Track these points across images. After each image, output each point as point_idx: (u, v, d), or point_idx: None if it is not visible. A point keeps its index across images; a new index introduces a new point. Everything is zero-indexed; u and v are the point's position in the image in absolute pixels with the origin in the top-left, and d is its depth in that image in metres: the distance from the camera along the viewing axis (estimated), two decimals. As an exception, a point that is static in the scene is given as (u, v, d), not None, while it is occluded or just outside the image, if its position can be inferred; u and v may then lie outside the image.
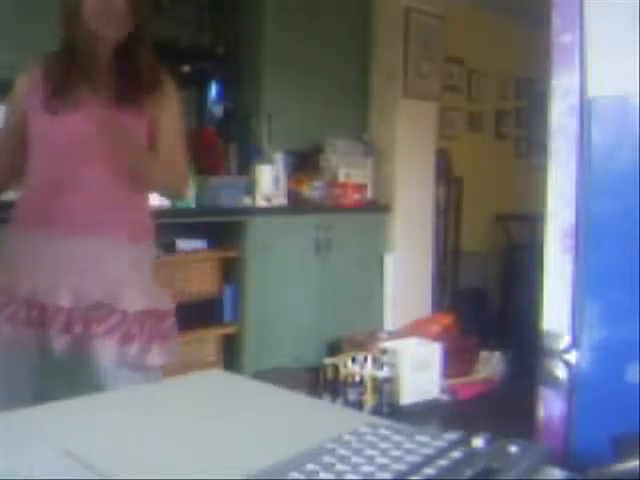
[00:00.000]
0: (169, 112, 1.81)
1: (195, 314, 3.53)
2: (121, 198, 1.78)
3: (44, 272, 1.69)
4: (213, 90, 3.90)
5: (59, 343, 1.68)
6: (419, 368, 3.48)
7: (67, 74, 1.71)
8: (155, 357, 1.71)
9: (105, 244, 1.73)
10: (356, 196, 4.19)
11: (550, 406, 1.46)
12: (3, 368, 1.73)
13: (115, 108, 1.72)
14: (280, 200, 3.84)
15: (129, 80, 1.74)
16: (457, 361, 3.79)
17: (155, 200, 3.32)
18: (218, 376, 1.22)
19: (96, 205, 1.73)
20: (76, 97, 1.71)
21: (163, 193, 2.06)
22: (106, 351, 1.67)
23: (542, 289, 1.48)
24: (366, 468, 0.67)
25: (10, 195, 1.95)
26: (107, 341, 1.67)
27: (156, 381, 1.69)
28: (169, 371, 3.24)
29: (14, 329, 1.69)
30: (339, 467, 0.67)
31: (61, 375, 1.75)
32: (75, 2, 1.70)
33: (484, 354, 4.04)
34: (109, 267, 1.73)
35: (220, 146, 3.81)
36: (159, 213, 3.33)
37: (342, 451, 0.70)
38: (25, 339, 1.70)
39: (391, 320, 4.33)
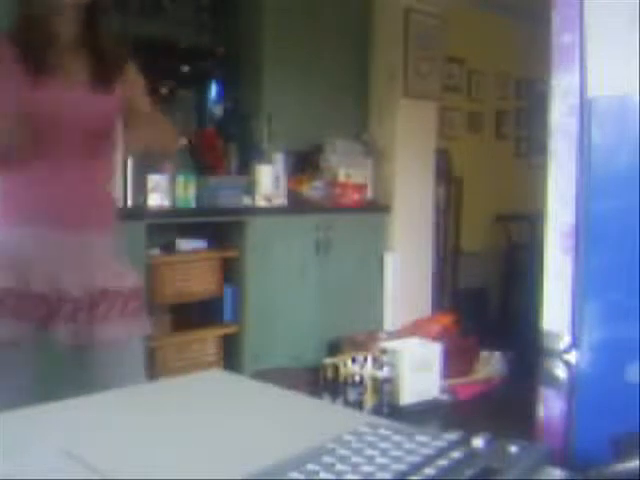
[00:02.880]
0: (139, 87, 1.83)
1: (195, 314, 3.54)
2: (100, 190, 1.81)
3: (45, 266, 1.70)
4: (213, 90, 3.90)
5: (63, 334, 1.70)
6: (419, 368, 3.48)
7: (35, 48, 1.66)
8: (147, 326, 1.81)
9: (96, 234, 1.77)
10: (356, 196, 4.19)
11: (550, 406, 1.46)
12: (4, 368, 1.73)
13: (90, 91, 1.71)
14: (280, 200, 3.84)
15: (99, 64, 1.73)
16: (457, 361, 3.79)
17: (156, 200, 3.33)
18: (218, 376, 1.22)
19: (82, 199, 1.74)
20: (52, 73, 1.67)
21: (159, 154, 2.11)
22: (115, 330, 1.72)
23: (542, 289, 1.48)
24: (366, 468, 0.67)
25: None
26: (115, 321, 1.72)
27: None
28: (169, 371, 3.24)
29: (16, 325, 1.69)
30: (339, 467, 0.67)
31: (60, 371, 1.76)
32: None
33: (484, 354, 4.04)
34: (103, 257, 1.77)
35: (220, 146, 3.81)
36: (159, 213, 3.35)
37: (342, 451, 0.70)
38: (26, 334, 1.70)
39: (391, 320, 4.33)
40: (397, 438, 0.74)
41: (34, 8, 1.68)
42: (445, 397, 3.60)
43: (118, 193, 3.17)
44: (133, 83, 1.81)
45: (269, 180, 3.78)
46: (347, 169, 4.18)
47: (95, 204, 1.77)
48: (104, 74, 1.72)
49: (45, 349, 1.76)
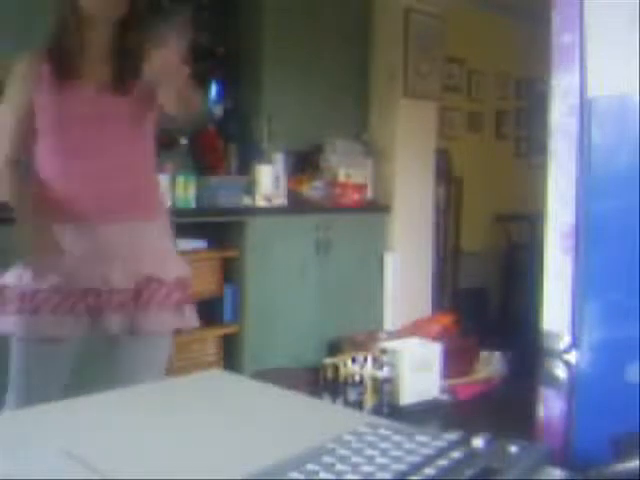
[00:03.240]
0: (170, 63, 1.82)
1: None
2: (141, 179, 1.85)
3: (86, 260, 1.72)
4: (213, 90, 3.90)
5: (114, 323, 1.73)
6: (419, 368, 3.48)
7: (66, 56, 1.75)
8: (192, 319, 1.87)
9: (139, 225, 1.80)
10: (356, 196, 4.19)
11: (550, 406, 1.46)
12: (40, 362, 1.75)
13: (110, 92, 1.76)
14: (280, 200, 3.84)
15: (124, 65, 1.78)
16: (457, 361, 3.79)
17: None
18: (218, 376, 1.22)
19: (122, 190, 1.79)
20: (76, 80, 1.75)
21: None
22: (159, 319, 1.76)
23: (542, 289, 1.48)
24: (366, 468, 0.67)
25: None
26: (161, 310, 1.77)
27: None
28: (169, 371, 3.24)
29: (59, 321, 1.71)
30: (339, 467, 0.67)
31: (94, 364, 1.79)
32: None
33: (484, 354, 4.04)
34: (147, 245, 1.80)
35: (220, 146, 3.81)
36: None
37: (342, 451, 0.70)
38: (71, 329, 1.72)
39: (391, 320, 4.33)
40: (397, 438, 0.74)
41: (69, 22, 1.76)
42: (445, 397, 3.60)
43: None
44: (165, 59, 1.79)
45: (269, 180, 3.78)
46: (347, 169, 4.18)
47: (133, 192, 1.80)
48: (120, 77, 1.78)
49: (87, 343, 1.78)
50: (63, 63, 1.75)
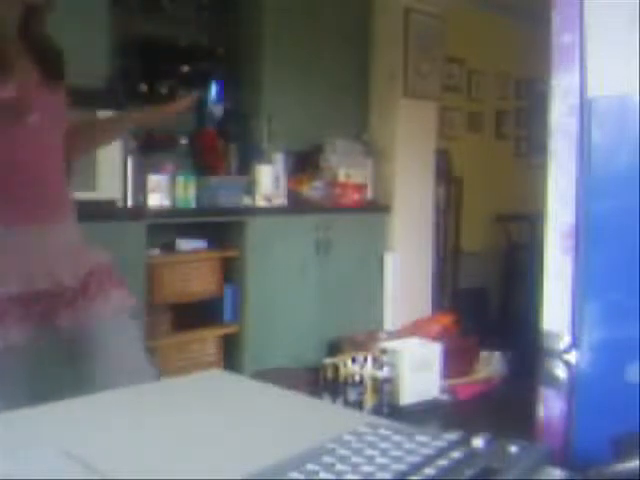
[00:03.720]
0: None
1: (195, 314, 3.53)
2: (62, 180, 1.81)
3: (28, 263, 1.70)
4: (213, 90, 3.89)
5: (66, 320, 1.72)
6: (419, 368, 3.48)
7: None
8: (128, 299, 1.81)
9: (67, 224, 1.78)
10: (356, 196, 4.19)
11: (550, 406, 1.46)
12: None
13: (44, 89, 1.69)
14: (280, 200, 3.84)
15: (45, 61, 1.71)
16: (457, 361, 3.79)
17: (156, 200, 3.33)
18: (218, 376, 1.22)
19: (50, 192, 1.74)
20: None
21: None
22: (109, 304, 1.75)
23: (542, 289, 1.48)
24: (366, 468, 0.67)
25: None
26: (107, 297, 1.75)
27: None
28: (169, 371, 3.23)
29: (6, 329, 1.69)
30: (339, 467, 0.67)
31: (60, 363, 1.79)
32: None
33: (484, 354, 4.04)
34: (76, 246, 1.78)
35: (220, 146, 3.81)
36: (159, 213, 3.35)
37: (342, 451, 0.70)
38: (21, 336, 1.70)
39: (391, 320, 4.33)
40: (397, 438, 0.74)
41: None
42: (445, 397, 3.60)
43: (118, 193, 3.17)
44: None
45: (269, 180, 3.78)
46: (347, 169, 4.18)
47: (52, 194, 1.75)
48: (52, 71, 1.71)
49: (45, 346, 1.77)
50: None
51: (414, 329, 4.09)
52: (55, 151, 1.76)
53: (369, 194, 4.36)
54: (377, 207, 4.38)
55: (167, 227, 3.47)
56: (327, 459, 0.68)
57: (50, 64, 1.73)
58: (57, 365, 1.75)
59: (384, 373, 3.33)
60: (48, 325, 1.72)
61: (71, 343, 1.79)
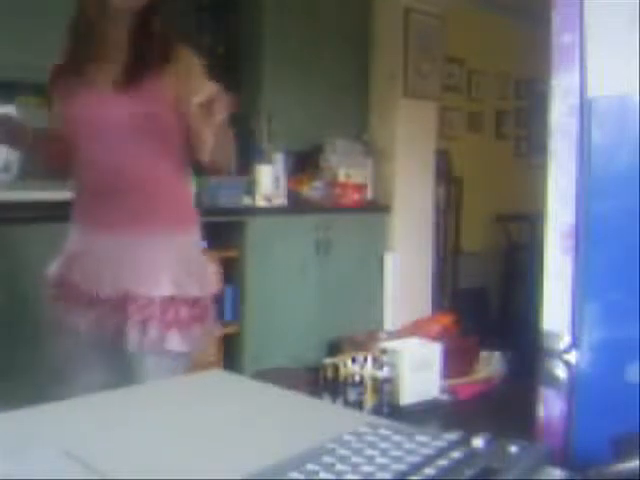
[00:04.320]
0: (190, 80, 1.68)
1: (195, 314, 3.53)
2: (155, 189, 1.75)
3: (94, 270, 1.71)
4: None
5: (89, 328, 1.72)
6: (419, 368, 3.47)
7: (83, 52, 1.69)
8: (174, 343, 1.70)
9: (143, 238, 1.71)
10: (356, 196, 4.19)
11: (550, 406, 1.46)
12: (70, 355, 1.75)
13: (115, 92, 1.66)
14: (280, 200, 3.84)
15: (129, 64, 1.68)
16: (457, 361, 3.79)
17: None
18: (218, 376, 1.22)
19: (133, 202, 1.72)
20: (91, 77, 1.68)
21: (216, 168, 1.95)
22: (130, 335, 1.67)
23: (542, 289, 1.48)
24: (366, 468, 0.67)
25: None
26: (130, 326, 1.67)
27: (183, 368, 1.75)
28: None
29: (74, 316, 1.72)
30: (339, 467, 0.67)
31: (99, 363, 1.79)
32: None
33: (484, 354, 4.04)
34: (145, 259, 1.71)
35: (220, 146, 3.81)
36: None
37: (342, 451, 0.70)
38: (79, 325, 1.72)
39: (391, 320, 4.33)
40: (397, 438, 0.74)
41: (86, 12, 1.68)
42: (445, 397, 3.60)
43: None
44: (183, 75, 1.70)
45: (269, 180, 3.78)
46: (347, 169, 4.18)
47: (140, 203, 1.71)
48: (130, 74, 1.66)
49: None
50: (78, 59, 1.69)
51: (414, 329, 4.08)
52: (123, 156, 1.70)
53: (369, 194, 4.36)
54: (377, 207, 4.38)
55: (167, 227, 3.46)
56: (327, 459, 0.68)
57: (131, 66, 1.67)
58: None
59: (384, 373, 3.33)
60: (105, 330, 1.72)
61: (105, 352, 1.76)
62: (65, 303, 1.75)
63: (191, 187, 1.89)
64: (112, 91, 1.66)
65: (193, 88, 1.59)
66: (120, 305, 1.68)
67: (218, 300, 3.68)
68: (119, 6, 1.66)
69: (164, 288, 1.67)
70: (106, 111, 1.67)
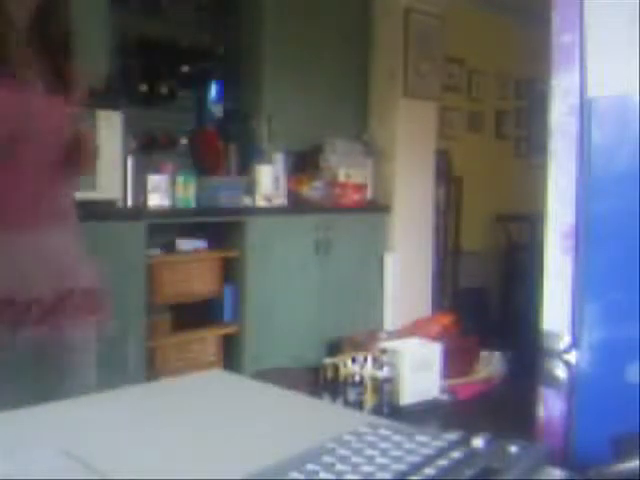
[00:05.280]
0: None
1: (195, 314, 3.53)
2: (47, 187, 1.72)
3: (6, 270, 1.68)
4: (213, 90, 3.90)
5: (30, 331, 1.68)
6: (419, 368, 3.47)
7: None
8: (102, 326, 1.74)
9: (44, 234, 1.70)
10: (356, 196, 4.19)
11: (550, 406, 1.46)
12: None
13: (46, 93, 1.62)
14: (280, 200, 3.84)
15: (54, 59, 1.62)
16: (457, 361, 3.79)
17: (156, 200, 3.33)
18: (218, 376, 1.22)
19: (33, 198, 1.68)
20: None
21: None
22: (77, 330, 1.69)
23: (542, 289, 1.48)
24: (366, 468, 0.67)
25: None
26: (76, 324, 1.69)
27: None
28: (169, 371, 3.24)
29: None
30: (339, 467, 0.67)
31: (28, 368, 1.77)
32: None
33: (484, 354, 4.04)
34: (52, 256, 1.70)
35: (220, 146, 3.81)
36: (159, 213, 3.35)
37: (342, 451, 0.70)
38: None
39: (391, 320, 4.33)
40: (397, 438, 0.74)
41: None
42: (445, 397, 3.60)
43: (118, 193, 3.17)
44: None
45: (269, 180, 3.78)
46: (347, 169, 4.18)
47: (45, 202, 1.70)
48: (63, 72, 1.62)
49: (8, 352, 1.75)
50: None
51: (414, 329, 4.08)
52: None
53: (369, 194, 4.36)
54: (377, 207, 4.38)
55: (167, 227, 3.46)
56: (327, 459, 0.68)
57: (59, 63, 1.62)
58: (19, 372, 1.73)
59: (384, 373, 3.33)
60: (13, 332, 1.69)
61: (34, 352, 1.73)
62: None
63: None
64: (36, 91, 1.61)
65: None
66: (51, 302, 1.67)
67: (218, 300, 3.69)
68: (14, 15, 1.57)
69: (88, 279, 1.71)
70: (33, 112, 1.61)
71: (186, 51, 3.67)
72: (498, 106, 5.74)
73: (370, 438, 0.74)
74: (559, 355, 1.44)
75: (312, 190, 4.03)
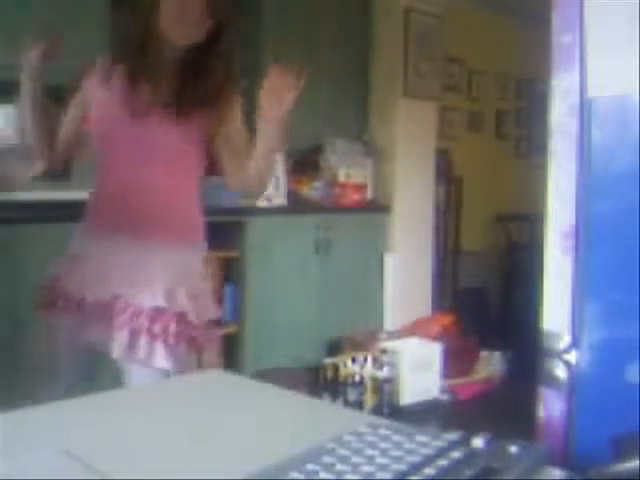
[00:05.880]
0: (234, 122, 1.80)
1: (195, 314, 3.53)
2: (178, 203, 1.82)
3: (104, 276, 1.71)
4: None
5: (92, 338, 1.72)
6: (419, 368, 3.47)
7: (135, 75, 1.72)
8: (158, 359, 1.66)
9: (148, 245, 1.74)
10: (356, 196, 4.19)
11: (550, 406, 1.46)
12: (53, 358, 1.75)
13: (174, 117, 1.71)
14: (280, 200, 3.84)
15: (193, 90, 1.72)
16: (457, 361, 3.79)
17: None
18: (218, 376, 1.22)
19: (155, 211, 1.75)
20: (142, 100, 1.71)
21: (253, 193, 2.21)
22: (117, 344, 1.66)
23: (542, 289, 1.48)
24: (366, 468, 0.67)
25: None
26: (118, 335, 1.67)
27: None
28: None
29: (65, 322, 1.72)
30: (339, 467, 0.67)
31: (88, 368, 1.81)
32: (150, 5, 1.70)
33: (484, 354, 4.04)
34: (142, 265, 1.72)
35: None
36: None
37: (342, 451, 0.70)
38: (70, 332, 1.72)
39: (391, 320, 4.33)
40: (397, 438, 0.74)
41: (144, 41, 1.73)
42: (445, 397, 3.59)
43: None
44: (233, 117, 1.79)
45: (269, 180, 3.78)
46: (347, 169, 4.18)
47: (153, 217, 1.75)
48: (182, 106, 1.71)
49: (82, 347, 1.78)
50: (130, 80, 1.72)
51: (414, 329, 4.08)
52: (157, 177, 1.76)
53: (369, 194, 4.36)
54: (377, 207, 4.38)
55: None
56: (327, 459, 0.68)
57: (187, 88, 1.72)
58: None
59: (384, 373, 3.33)
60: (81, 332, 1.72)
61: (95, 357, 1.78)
62: (51, 307, 1.74)
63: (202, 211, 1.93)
64: (159, 115, 1.70)
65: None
66: (107, 310, 1.68)
67: (218, 300, 3.69)
68: (174, 39, 1.71)
69: (155, 298, 1.67)
70: (150, 134, 1.71)
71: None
72: (498, 106, 5.74)
73: (370, 438, 0.74)
74: (559, 355, 1.44)
75: (312, 190, 4.03)
